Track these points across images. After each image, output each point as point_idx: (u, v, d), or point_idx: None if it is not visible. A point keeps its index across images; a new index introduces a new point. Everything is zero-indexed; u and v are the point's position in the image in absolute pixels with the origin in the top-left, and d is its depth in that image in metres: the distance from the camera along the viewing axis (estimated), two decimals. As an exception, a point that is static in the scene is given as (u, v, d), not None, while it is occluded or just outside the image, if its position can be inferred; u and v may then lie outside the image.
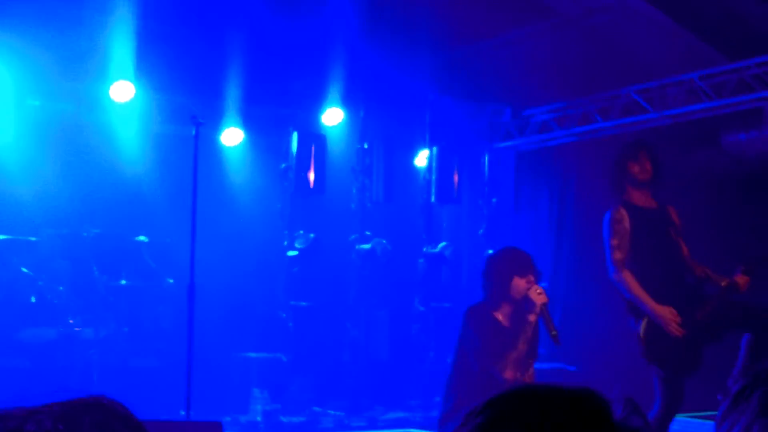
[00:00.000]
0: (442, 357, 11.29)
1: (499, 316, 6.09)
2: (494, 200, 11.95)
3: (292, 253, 10.67)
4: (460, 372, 6.12)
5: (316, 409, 10.20)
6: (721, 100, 9.32)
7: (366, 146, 11.03)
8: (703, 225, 9.77)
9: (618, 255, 6.93)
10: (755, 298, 6.67)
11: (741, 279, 6.80)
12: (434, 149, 11.28)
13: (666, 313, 6.63)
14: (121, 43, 8.94)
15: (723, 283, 6.76)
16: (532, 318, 5.91)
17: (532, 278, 6.05)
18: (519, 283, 5.99)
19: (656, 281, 6.80)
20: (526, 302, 5.94)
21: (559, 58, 10.13)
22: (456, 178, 11.29)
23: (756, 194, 9.67)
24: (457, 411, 6.06)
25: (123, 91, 9.40)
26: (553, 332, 5.80)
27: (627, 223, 7.03)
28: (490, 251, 6.59)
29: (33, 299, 9.20)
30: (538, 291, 5.92)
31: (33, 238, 9.39)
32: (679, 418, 6.35)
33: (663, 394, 6.73)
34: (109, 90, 9.36)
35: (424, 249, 11.55)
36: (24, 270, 9.24)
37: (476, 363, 5.99)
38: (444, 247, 11.54)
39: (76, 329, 9.20)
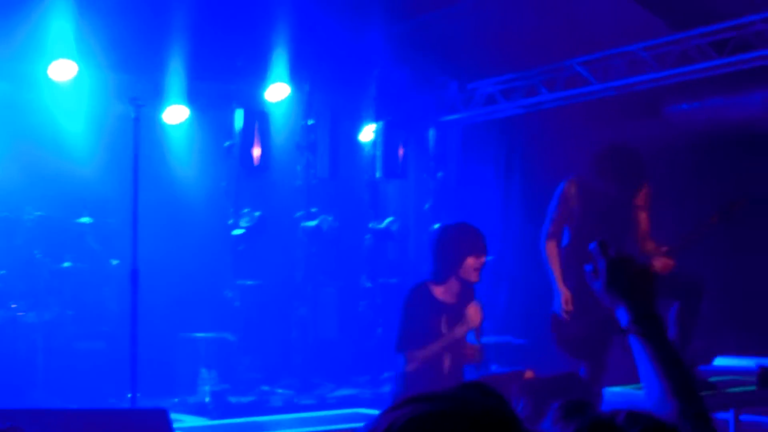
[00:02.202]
0: (389, 333, 11.29)
1: (442, 292, 6.05)
2: (440, 174, 11.93)
3: (237, 231, 10.57)
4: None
5: (265, 388, 10.16)
6: (664, 71, 9.36)
7: (311, 122, 10.94)
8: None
9: (552, 227, 7.03)
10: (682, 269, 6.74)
11: (659, 262, 6.90)
12: (379, 123, 11.22)
13: (564, 295, 6.76)
14: (60, 20, 8.75)
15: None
16: (461, 331, 5.92)
17: (483, 259, 6.04)
18: (471, 263, 5.97)
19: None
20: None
21: (504, 30, 10.11)
22: (401, 152, 11.25)
23: (699, 164, 9.75)
24: (405, 384, 6.06)
25: (63, 69, 9.21)
26: (477, 344, 5.92)
27: (575, 201, 7.09)
28: (439, 225, 6.55)
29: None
30: (477, 308, 5.94)
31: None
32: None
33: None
34: (48, 69, 9.17)
35: (371, 225, 11.51)
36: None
37: (400, 343, 5.97)
38: (390, 223, 11.50)
39: (19, 313, 9.05)
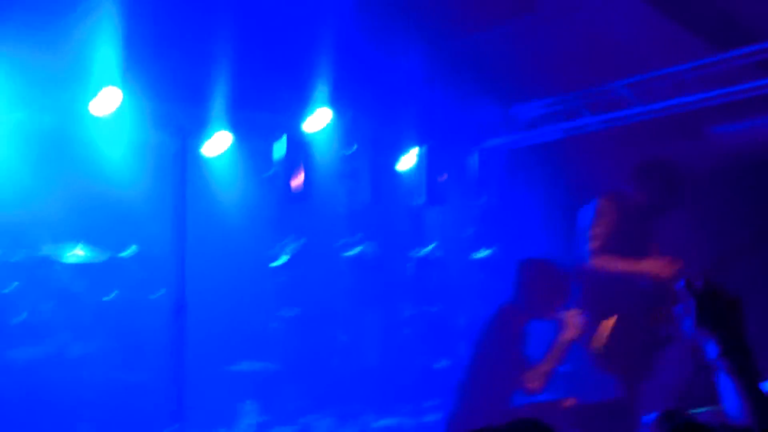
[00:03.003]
0: (432, 361, 11.23)
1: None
2: (483, 200, 11.88)
3: (279, 261, 10.55)
4: (479, 373, 6.07)
5: (308, 418, 10.11)
6: (707, 92, 9.32)
7: (352, 149, 10.93)
8: (692, 217, 9.77)
9: (596, 243, 6.98)
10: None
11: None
12: (422, 150, 11.19)
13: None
14: (104, 51, 8.78)
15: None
16: (569, 337, 5.91)
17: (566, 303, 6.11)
18: (557, 309, 6.03)
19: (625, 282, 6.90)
20: (562, 322, 5.96)
21: (546, 53, 10.09)
22: (443, 178, 11.22)
23: (744, 186, 9.68)
24: (473, 412, 6.00)
25: (107, 101, 9.22)
26: (596, 350, 5.85)
27: (612, 217, 7.10)
28: (530, 259, 6.52)
29: (20, 318, 9.07)
30: (576, 314, 5.92)
31: (18, 256, 9.25)
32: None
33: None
34: (92, 101, 9.20)
35: (413, 252, 11.46)
36: (10, 288, 9.09)
37: (503, 367, 5.94)
38: (432, 250, 11.45)
39: (66, 346, 9.08)
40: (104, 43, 8.63)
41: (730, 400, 2.30)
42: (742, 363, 2.34)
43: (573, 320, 5.98)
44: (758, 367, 2.38)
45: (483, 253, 11.58)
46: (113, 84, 9.09)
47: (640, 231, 7.47)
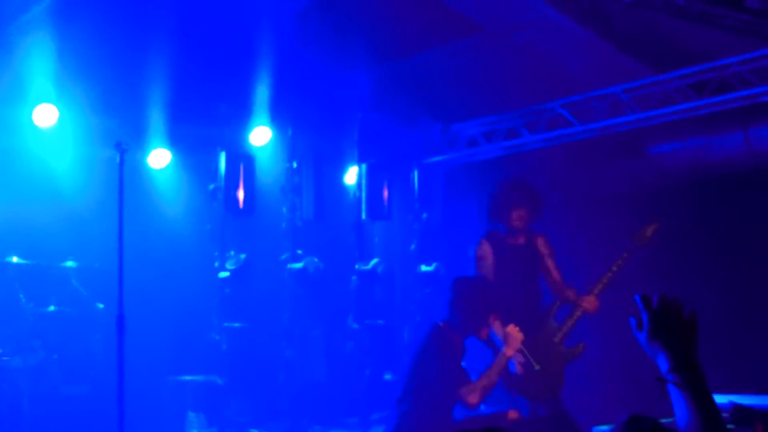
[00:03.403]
0: (378, 374, 11.27)
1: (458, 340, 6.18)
2: (425, 215, 11.96)
3: (223, 274, 10.57)
4: (418, 389, 6.14)
5: (253, 431, 10.12)
6: (645, 113, 9.44)
7: (295, 165, 10.97)
8: (628, 233, 9.90)
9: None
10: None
11: (587, 301, 7.13)
12: (363, 166, 11.27)
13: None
14: (41, 66, 8.80)
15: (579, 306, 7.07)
16: (510, 352, 5.99)
17: (498, 319, 6.19)
18: (489, 326, 6.12)
19: (517, 310, 7.08)
20: (499, 337, 6.04)
21: (486, 73, 10.19)
22: (386, 194, 11.30)
23: (683, 204, 9.81)
24: (414, 427, 6.08)
25: (46, 114, 9.25)
26: (536, 365, 5.92)
27: (490, 260, 7.38)
28: (458, 276, 6.64)
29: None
30: (516, 329, 6.01)
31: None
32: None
33: None
34: (32, 114, 9.21)
35: (357, 266, 11.51)
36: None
37: (440, 384, 6.02)
38: (376, 264, 11.51)
39: (4, 358, 9.03)
40: (41, 59, 8.66)
41: (681, 411, 2.38)
42: (691, 378, 2.42)
43: (512, 335, 6.05)
44: (707, 383, 2.46)
45: (426, 268, 11.65)
46: (50, 100, 9.12)
47: (522, 262, 7.77)
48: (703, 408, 2.35)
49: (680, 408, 2.39)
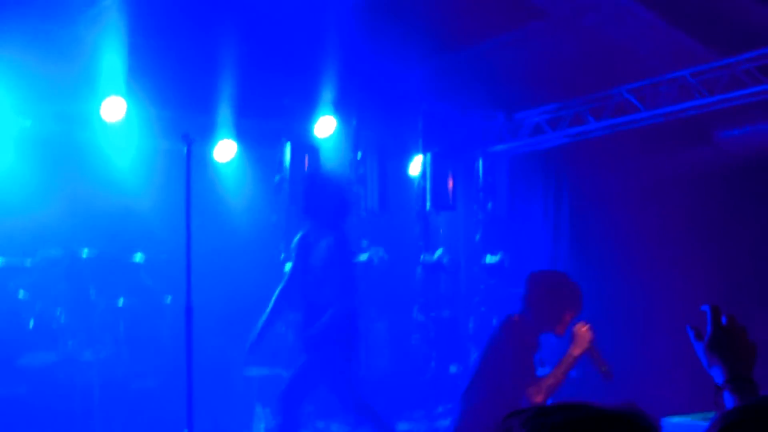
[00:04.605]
0: (443, 366, 11.25)
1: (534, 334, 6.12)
2: (489, 205, 11.91)
3: (289, 266, 10.59)
4: (487, 383, 6.09)
5: (320, 424, 10.13)
6: (713, 97, 9.30)
7: (359, 155, 10.98)
8: (698, 221, 9.78)
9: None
10: None
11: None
12: (428, 156, 11.24)
13: None
14: (110, 60, 8.88)
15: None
16: (577, 351, 5.90)
17: (576, 316, 6.09)
18: (567, 320, 6.03)
19: None
20: (571, 335, 5.95)
21: (549, 59, 10.10)
22: (450, 184, 11.25)
23: (750, 189, 9.67)
24: (477, 423, 6.03)
25: (114, 108, 9.33)
26: (604, 368, 5.79)
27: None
28: (540, 271, 6.43)
29: (31, 324, 9.14)
30: (585, 327, 5.91)
31: (28, 262, 9.32)
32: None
33: None
34: (100, 108, 9.30)
35: (422, 257, 11.50)
36: (21, 294, 9.17)
37: (510, 379, 5.96)
38: (441, 255, 11.48)
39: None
40: (110, 52, 8.73)
41: None
42: (748, 389, 2.47)
43: (581, 334, 5.96)
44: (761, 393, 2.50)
45: (491, 259, 11.60)
46: (118, 93, 9.21)
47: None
48: None
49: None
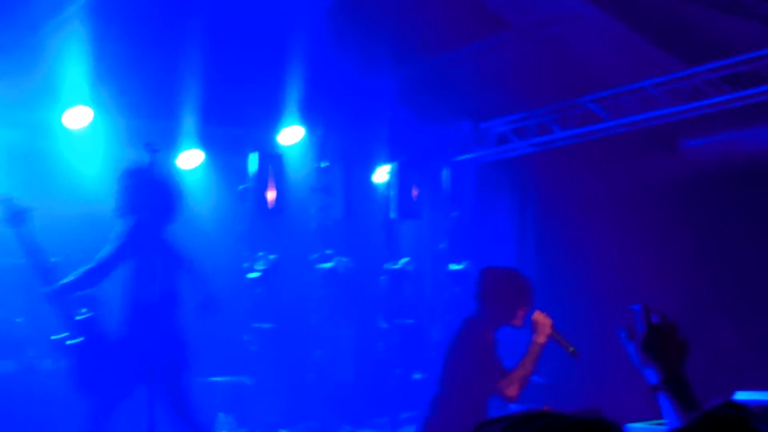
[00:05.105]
0: (407, 374, 11.25)
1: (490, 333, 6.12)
2: (455, 214, 11.93)
3: (253, 274, 10.57)
4: (452, 386, 6.09)
5: (284, 431, 10.12)
6: (676, 107, 9.36)
7: (324, 164, 10.98)
8: (663, 230, 9.84)
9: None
10: None
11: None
12: (393, 165, 11.24)
13: None
14: (74, 68, 8.82)
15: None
16: (541, 339, 5.91)
17: (528, 309, 6.10)
18: (521, 314, 6.04)
19: None
20: (530, 324, 5.96)
21: (514, 70, 10.14)
22: (415, 192, 11.26)
23: (714, 198, 9.73)
24: (450, 424, 6.03)
25: (78, 117, 9.28)
26: (570, 348, 5.79)
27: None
28: (486, 268, 6.45)
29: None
30: (542, 314, 5.93)
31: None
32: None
33: None
34: (62, 116, 9.24)
35: (386, 266, 11.50)
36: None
37: (477, 378, 5.96)
38: (406, 263, 11.49)
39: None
40: (73, 60, 8.67)
41: (671, 417, 2.45)
42: (681, 388, 2.49)
43: (540, 320, 5.97)
44: (694, 393, 2.51)
45: (456, 266, 11.62)
46: (83, 101, 9.15)
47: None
48: (691, 412, 2.40)
49: (670, 415, 2.46)
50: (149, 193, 7.39)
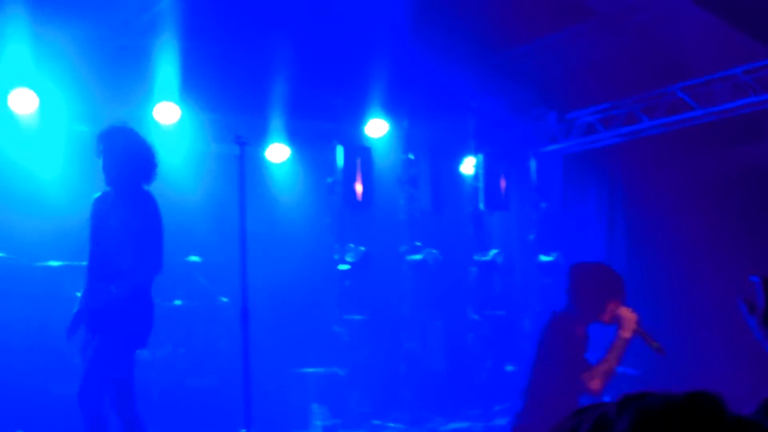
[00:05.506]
0: (499, 365, 11.25)
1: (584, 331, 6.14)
2: (543, 205, 11.89)
3: (343, 266, 10.68)
4: (543, 380, 6.12)
5: (376, 422, 10.19)
6: (766, 94, 9.21)
7: (411, 156, 11.02)
8: (754, 219, 9.69)
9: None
10: None
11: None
12: (480, 156, 11.25)
13: None
14: (165, 65, 9.01)
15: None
16: (626, 334, 5.90)
17: (620, 304, 6.09)
18: (612, 309, 6.04)
19: None
20: (618, 322, 5.96)
21: (601, 58, 10.06)
22: (503, 183, 11.25)
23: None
24: (539, 417, 6.06)
25: (168, 112, 9.47)
26: (654, 344, 5.79)
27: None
28: (578, 263, 6.43)
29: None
30: (629, 309, 5.92)
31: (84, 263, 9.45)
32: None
33: None
34: (153, 112, 9.44)
35: (475, 257, 11.51)
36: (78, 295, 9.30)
37: (562, 371, 5.98)
38: (495, 255, 11.49)
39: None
40: (163, 59, 8.85)
41: None
42: None
43: (627, 316, 5.96)
44: None
45: (545, 257, 11.58)
46: (172, 98, 9.33)
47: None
48: None
49: None
50: (129, 152, 7.06)
